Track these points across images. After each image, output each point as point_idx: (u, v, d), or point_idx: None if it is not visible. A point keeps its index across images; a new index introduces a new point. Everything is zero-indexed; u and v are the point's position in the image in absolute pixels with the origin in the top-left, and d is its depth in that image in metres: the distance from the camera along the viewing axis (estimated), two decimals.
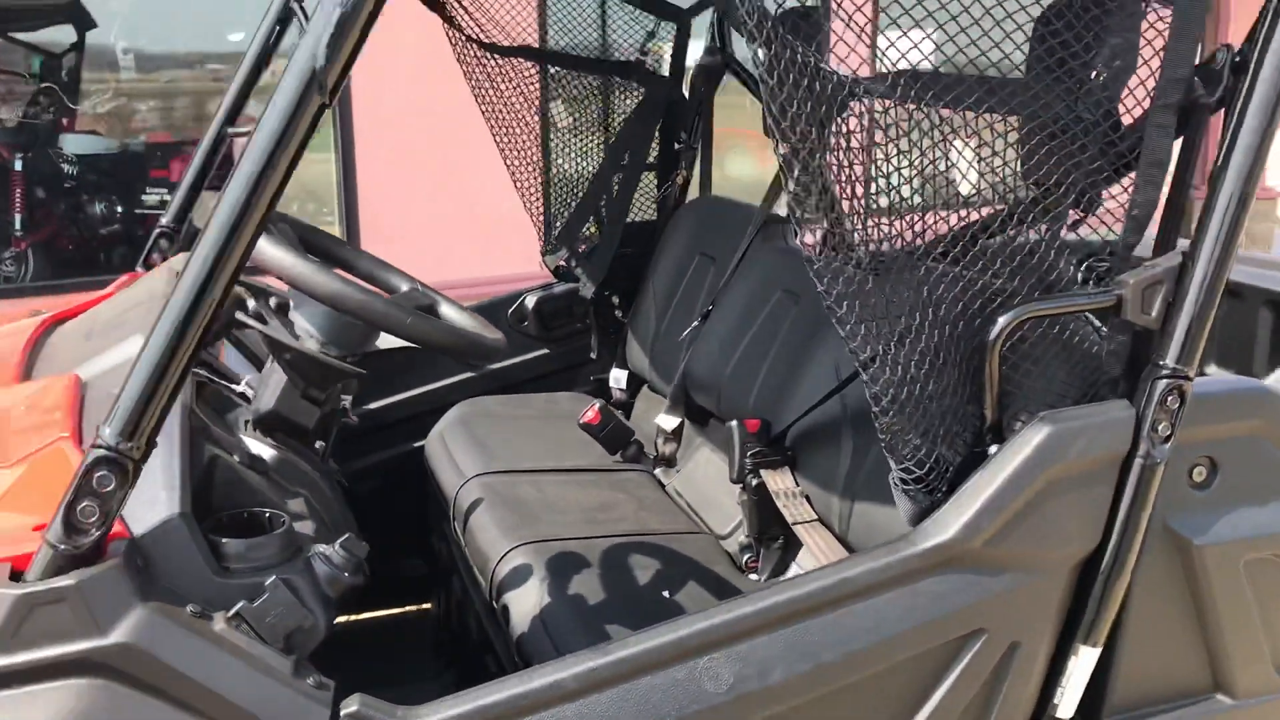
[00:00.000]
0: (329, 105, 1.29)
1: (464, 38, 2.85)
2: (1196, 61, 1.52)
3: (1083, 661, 1.59)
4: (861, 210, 1.48)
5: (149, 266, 2.58)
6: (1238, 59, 1.51)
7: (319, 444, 1.90)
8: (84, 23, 6.37)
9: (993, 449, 1.53)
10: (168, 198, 6.20)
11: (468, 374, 3.08)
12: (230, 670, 1.29)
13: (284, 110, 1.27)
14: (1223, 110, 1.54)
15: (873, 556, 1.50)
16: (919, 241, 1.50)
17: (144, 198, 6.13)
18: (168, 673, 1.27)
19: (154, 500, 1.36)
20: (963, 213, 1.51)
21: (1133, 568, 1.57)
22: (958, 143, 1.46)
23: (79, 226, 6.13)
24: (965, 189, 1.49)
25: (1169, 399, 1.53)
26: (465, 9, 2.77)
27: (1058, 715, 1.61)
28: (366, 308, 1.54)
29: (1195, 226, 1.54)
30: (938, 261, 1.49)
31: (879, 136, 1.43)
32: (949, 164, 1.49)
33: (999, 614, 1.53)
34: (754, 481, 2.15)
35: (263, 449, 1.65)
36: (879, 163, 1.44)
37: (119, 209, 6.19)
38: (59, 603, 1.24)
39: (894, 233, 1.48)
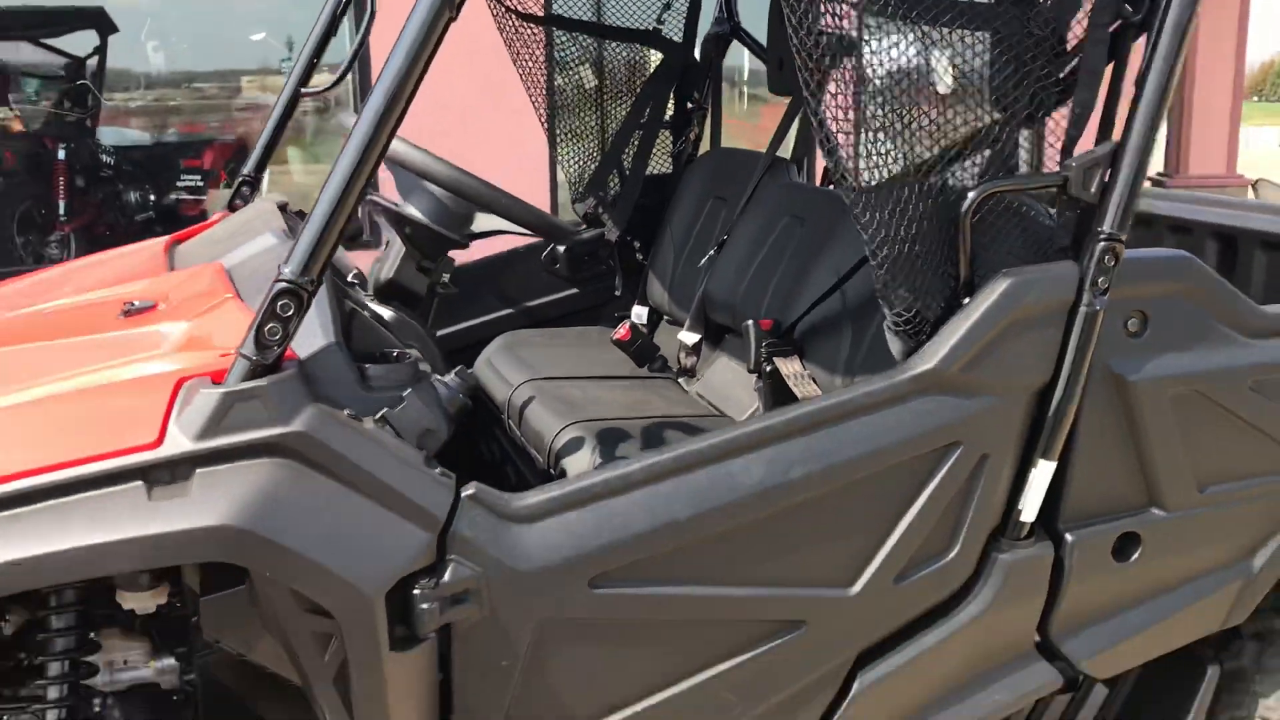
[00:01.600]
0: (454, 19, 1.67)
1: (504, 9, 3.25)
2: None
3: (1041, 472, 1.98)
4: (869, 117, 1.88)
5: (234, 209, 2.97)
6: None
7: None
8: (107, 27, 6.76)
9: (965, 300, 1.93)
10: (200, 184, 6.63)
11: (505, 311, 3.47)
12: (379, 457, 1.68)
13: (422, 20, 1.65)
14: (1145, 30, 1.94)
15: (872, 382, 1.89)
16: (912, 137, 1.90)
17: (178, 184, 6.51)
18: (333, 455, 1.65)
19: (313, 333, 1.74)
20: (944, 113, 1.90)
21: (1079, 398, 1.96)
22: (937, 53, 1.86)
23: (116, 212, 6.51)
24: (944, 91, 1.89)
25: (1106, 258, 1.93)
26: None
27: (1022, 519, 2.00)
28: (475, 189, 1.93)
29: (1124, 122, 1.94)
30: (926, 152, 1.89)
31: (877, 51, 1.83)
32: (932, 74, 1.89)
33: (972, 430, 1.93)
34: (768, 369, 2.54)
35: (384, 310, 2.03)
36: (880, 74, 1.83)
37: (152, 196, 6.57)
38: (253, 399, 1.62)
39: (894, 132, 1.88)
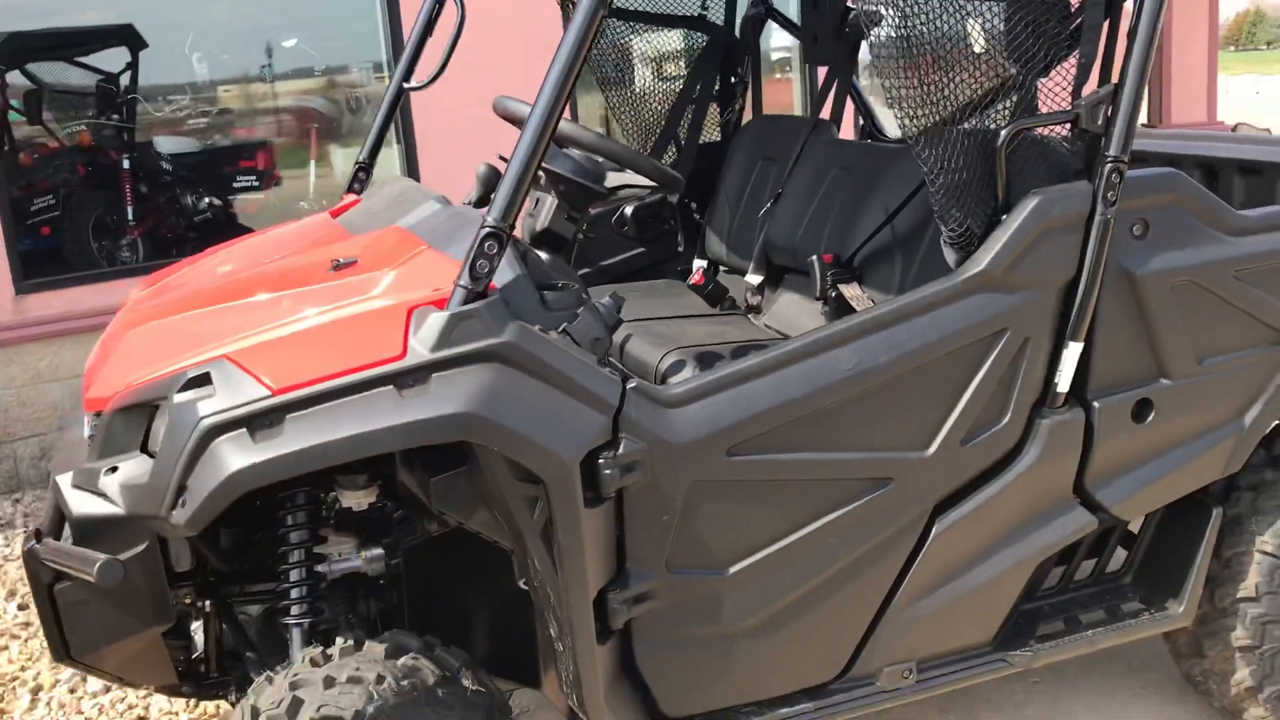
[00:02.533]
0: (608, 14, 2.16)
1: (573, 4, 3.74)
2: None
3: (1071, 352, 2.48)
4: (926, 75, 2.37)
5: (355, 192, 3.45)
6: None
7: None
8: (137, 43, 7.20)
9: (1004, 217, 2.43)
10: (256, 183, 7.10)
11: (583, 270, 3.96)
12: (566, 360, 2.17)
13: (582, 17, 2.14)
14: None
15: (938, 284, 2.39)
16: (960, 94, 2.39)
17: (235, 184, 6.98)
18: (533, 359, 2.14)
19: (504, 271, 2.23)
20: (978, 67, 2.40)
21: (1098, 290, 2.46)
22: (974, 23, 2.36)
23: (177, 215, 6.97)
24: (978, 50, 2.39)
25: (1113, 177, 2.43)
26: None
27: (1058, 390, 2.50)
28: (613, 149, 2.43)
29: (1120, 67, 2.44)
30: (966, 99, 2.39)
31: (926, 22, 2.32)
32: (968, 37, 2.38)
33: (1016, 318, 2.43)
34: (833, 294, 3.04)
35: (543, 254, 2.53)
36: (929, 40, 2.33)
37: (208, 199, 7.04)
38: (472, 319, 2.12)
39: (943, 84, 2.37)
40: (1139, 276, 2.52)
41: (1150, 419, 2.61)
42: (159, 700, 3.61)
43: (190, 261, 3.08)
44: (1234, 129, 10.72)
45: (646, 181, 2.58)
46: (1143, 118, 13.12)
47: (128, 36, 7.15)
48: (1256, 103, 32.30)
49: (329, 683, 2.15)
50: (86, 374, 2.66)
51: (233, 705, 2.85)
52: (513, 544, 2.30)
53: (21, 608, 4.31)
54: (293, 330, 2.19)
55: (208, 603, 2.71)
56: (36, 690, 3.72)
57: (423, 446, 2.21)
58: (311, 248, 2.68)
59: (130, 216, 6.66)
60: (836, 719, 2.56)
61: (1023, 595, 2.67)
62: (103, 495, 2.28)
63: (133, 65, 7.25)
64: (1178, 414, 2.64)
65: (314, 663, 2.21)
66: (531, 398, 2.13)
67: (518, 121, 2.56)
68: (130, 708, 3.59)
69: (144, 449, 2.29)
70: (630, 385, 2.23)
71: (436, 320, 2.12)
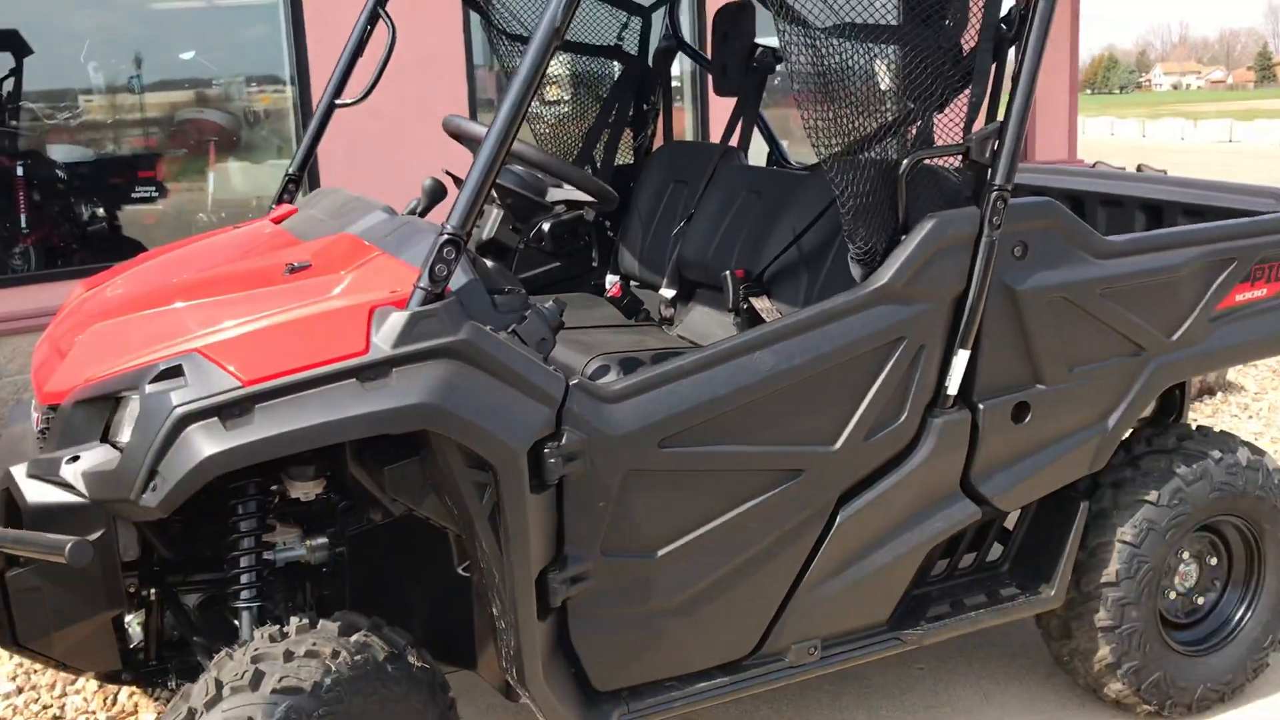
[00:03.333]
0: (560, 45, 2.37)
1: (497, 31, 3.95)
2: (1002, 13, 2.74)
3: (960, 359, 2.78)
4: (838, 109, 2.64)
5: (285, 202, 3.59)
6: (1023, 10, 2.74)
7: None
8: (21, 49, 7.13)
9: (903, 236, 2.72)
10: (155, 194, 7.08)
11: None
12: (515, 356, 2.37)
13: (538, 45, 2.35)
14: (1017, 41, 2.76)
15: (846, 296, 2.66)
16: (867, 127, 2.67)
17: (132, 195, 6.95)
18: (486, 356, 2.33)
19: (459, 276, 2.42)
20: (884, 104, 2.69)
21: (984, 303, 2.77)
22: (880, 65, 2.65)
23: (71, 224, 6.91)
24: (884, 88, 2.68)
25: (998, 204, 2.74)
26: (498, 9, 3.88)
27: (948, 392, 2.80)
28: (555, 165, 2.63)
29: (1004, 107, 2.76)
30: (873, 131, 2.67)
31: (840, 62, 2.60)
32: (875, 76, 2.67)
33: (913, 328, 2.71)
34: (744, 307, 3.30)
35: (489, 261, 2.72)
36: (842, 78, 2.60)
37: (105, 208, 6.99)
38: (430, 318, 2.30)
39: (852, 118, 2.65)
40: (1018, 292, 2.83)
41: (1028, 420, 2.92)
42: (74, 700, 3.65)
43: (129, 265, 3.17)
44: (1093, 166, 11.45)
45: (585, 196, 2.80)
46: None
47: (11, 42, 7.07)
48: (1111, 143, 34.21)
49: (288, 656, 2.30)
50: (36, 371, 2.75)
51: (172, 690, 2.95)
52: (460, 528, 2.48)
53: None
54: (259, 326, 2.34)
55: (152, 591, 2.81)
56: None
57: (375, 438, 2.38)
58: (263, 252, 2.83)
59: (23, 224, 6.58)
60: (749, 692, 2.80)
61: (914, 580, 2.95)
62: (62, 484, 2.38)
63: (16, 72, 7.16)
64: (1051, 416, 2.96)
65: (273, 639, 2.35)
66: (484, 391, 2.32)
67: (467, 139, 2.75)
68: (45, 708, 3.63)
69: (105, 439, 2.41)
70: (573, 382, 2.44)
71: (398, 319, 2.29)
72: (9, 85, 7.18)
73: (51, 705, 3.64)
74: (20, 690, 3.72)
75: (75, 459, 2.38)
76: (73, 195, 6.96)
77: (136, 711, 3.57)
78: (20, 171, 6.62)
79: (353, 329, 2.31)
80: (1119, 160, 14.86)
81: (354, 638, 2.40)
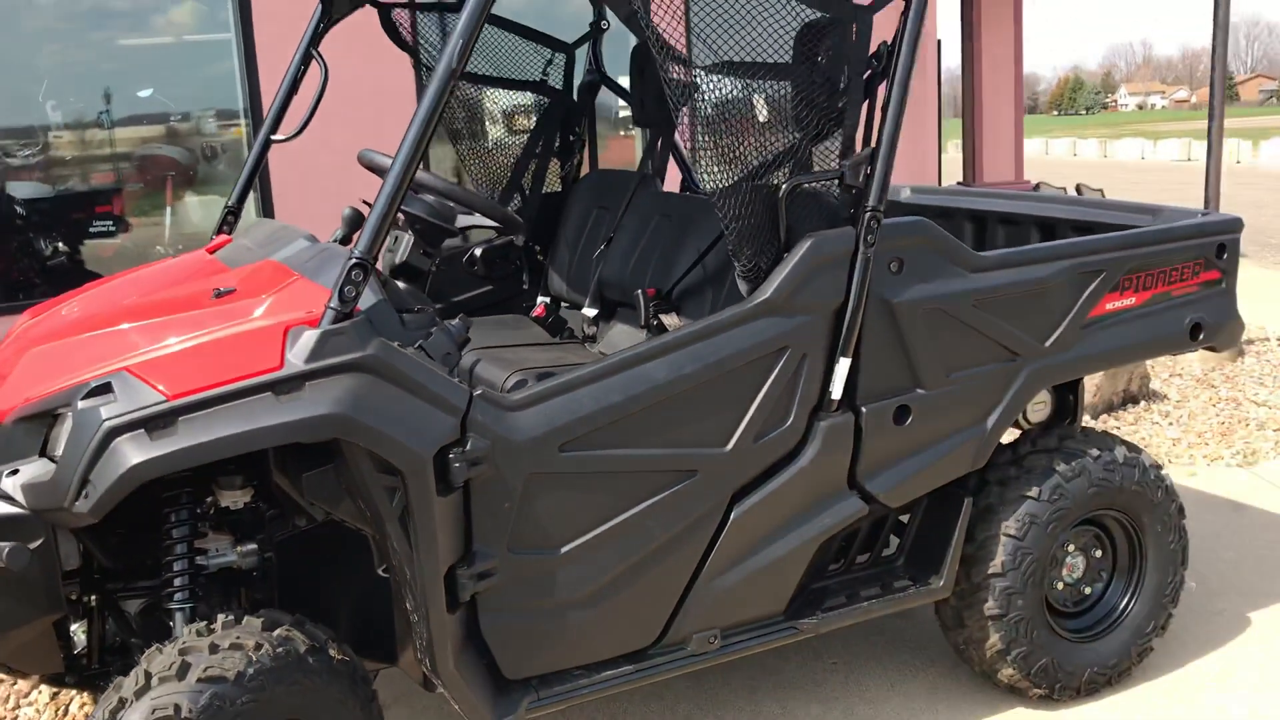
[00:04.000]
0: (458, 81, 2.59)
1: (426, 68, 4.18)
2: (871, 51, 2.99)
3: (841, 366, 3.01)
4: (720, 140, 2.88)
5: (225, 233, 3.80)
6: (889, 48, 2.99)
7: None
8: None
9: (786, 254, 2.95)
10: (113, 228, 7.28)
11: (436, 305, 4.37)
12: (420, 369, 2.58)
13: (439, 80, 2.57)
14: (886, 77, 3.01)
15: (732, 310, 2.90)
16: (748, 155, 2.91)
17: (90, 229, 7.15)
18: (393, 370, 2.54)
19: (368, 296, 2.63)
20: (764, 134, 2.93)
21: (863, 315, 3.01)
22: (759, 99, 2.89)
23: (30, 259, 7.10)
24: (763, 120, 2.92)
25: (872, 223, 2.98)
26: (425, 48, 4.12)
27: (832, 397, 3.03)
28: (461, 194, 2.86)
29: (875, 136, 3.00)
30: (754, 159, 2.91)
31: (721, 97, 2.84)
32: (755, 110, 2.91)
33: (796, 338, 2.95)
34: (655, 323, 3.53)
35: (401, 284, 2.94)
36: (723, 111, 2.85)
37: (65, 242, 7.19)
38: (340, 335, 2.51)
39: (734, 148, 2.89)
40: (895, 304, 3.08)
41: (909, 421, 3.16)
42: (27, 711, 3.82)
43: (71, 295, 3.38)
44: (1035, 186, 11.80)
45: (491, 222, 3.03)
46: (959, 177, 14.21)
47: None
48: (1072, 163, 34.81)
49: (214, 649, 2.50)
50: None
51: None
52: (374, 529, 2.69)
53: None
54: (184, 347, 2.55)
55: (93, 597, 3.00)
56: None
57: (293, 447, 2.59)
58: (194, 279, 3.04)
59: None
60: (653, 679, 3.01)
61: (808, 572, 3.18)
62: (3, 495, 2.58)
63: None
64: (931, 418, 3.19)
65: (199, 634, 2.55)
66: (391, 402, 2.54)
67: (379, 171, 2.98)
68: None
69: (43, 453, 2.61)
70: (476, 393, 2.66)
71: (309, 337, 2.51)
72: None
73: (5, 717, 3.80)
74: None
75: (15, 472, 2.58)
76: (32, 230, 7.15)
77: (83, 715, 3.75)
78: None
79: (269, 347, 2.52)
80: (1063, 181, 15.26)
81: (276, 632, 2.60)
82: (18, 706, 3.86)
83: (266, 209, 7.31)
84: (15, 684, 3.98)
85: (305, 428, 2.46)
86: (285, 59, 7.00)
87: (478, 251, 4.37)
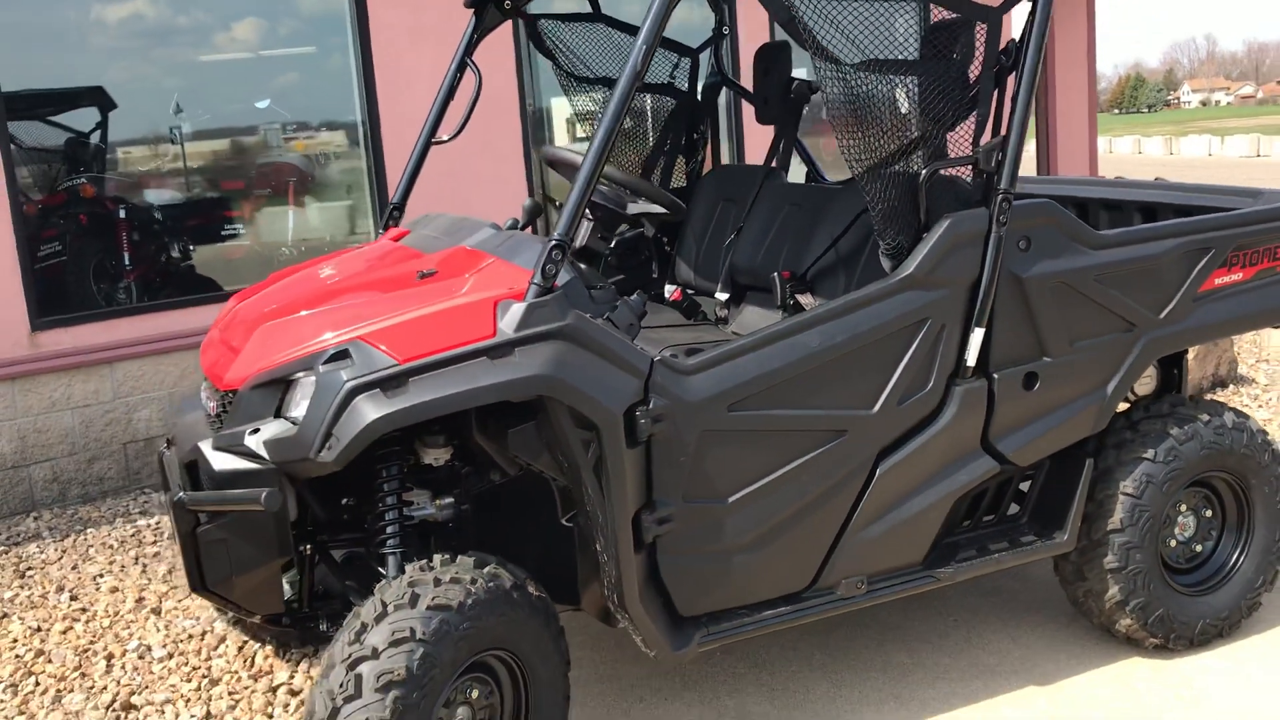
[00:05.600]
0: (641, 86, 2.93)
1: (564, 73, 4.55)
2: (1001, 47, 3.29)
3: (976, 336, 3.31)
4: (869, 130, 3.19)
5: (389, 227, 4.18)
6: (1019, 43, 3.29)
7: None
8: (107, 104, 7.84)
9: (925, 234, 3.26)
10: (241, 231, 7.74)
11: None
12: (611, 338, 2.93)
13: (623, 88, 2.92)
14: (1014, 70, 3.31)
15: (878, 284, 3.21)
16: (892, 144, 3.22)
17: (221, 233, 7.63)
18: (588, 338, 2.89)
19: (564, 274, 2.98)
20: (905, 123, 3.24)
21: (995, 289, 3.30)
22: (900, 93, 3.20)
23: (167, 261, 7.58)
24: (904, 111, 3.23)
25: (1003, 204, 3.28)
26: (564, 54, 4.48)
27: (967, 364, 3.33)
28: (638, 184, 3.21)
29: (1005, 124, 3.30)
30: (897, 147, 3.23)
31: (869, 90, 3.16)
32: (900, 105, 3.23)
33: (936, 309, 3.25)
34: (792, 303, 3.86)
35: (583, 266, 3.29)
36: (872, 103, 3.16)
37: (194, 245, 7.66)
38: (544, 308, 2.86)
39: (882, 143, 3.20)
40: (1024, 279, 3.37)
41: (1037, 387, 3.45)
42: (218, 662, 4.22)
43: (271, 280, 3.77)
44: (1154, 180, 11.93)
45: (658, 208, 3.37)
46: (1032, 173, 14.39)
47: (98, 98, 7.79)
48: (1137, 160, 34.55)
49: (437, 582, 2.86)
50: (210, 366, 3.35)
51: (326, 633, 3.52)
52: (568, 479, 3.03)
53: (73, 598, 4.88)
54: (408, 318, 2.91)
55: (307, 546, 3.39)
56: (109, 657, 4.31)
57: (495, 408, 2.94)
58: (393, 263, 3.42)
59: (126, 262, 7.25)
60: (807, 619, 3.33)
61: (944, 525, 3.47)
62: (245, 452, 2.96)
63: (103, 124, 7.88)
64: (1057, 384, 3.48)
65: (423, 569, 2.92)
66: (588, 366, 2.88)
67: (560, 165, 3.33)
68: (194, 669, 4.20)
69: (278, 414, 2.98)
70: (656, 358, 3.00)
71: (518, 309, 2.86)
72: (96, 137, 7.90)
73: (200, 667, 4.21)
74: (171, 655, 4.30)
75: (256, 431, 2.96)
76: (167, 235, 7.63)
77: (272, 671, 4.14)
78: (122, 214, 7.30)
79: (482, 318, 2.88)
80: (1139, 177, 15.35)
81: (486, 569, 2.96)
82: (208, 658, 4.27)
83: (382, 208, 7.74)
84: (205, 637, 4.40)
85: (517, 387, 2.81)
86: (401, 69, 7.44)
87: (612, 243, 4.71)
